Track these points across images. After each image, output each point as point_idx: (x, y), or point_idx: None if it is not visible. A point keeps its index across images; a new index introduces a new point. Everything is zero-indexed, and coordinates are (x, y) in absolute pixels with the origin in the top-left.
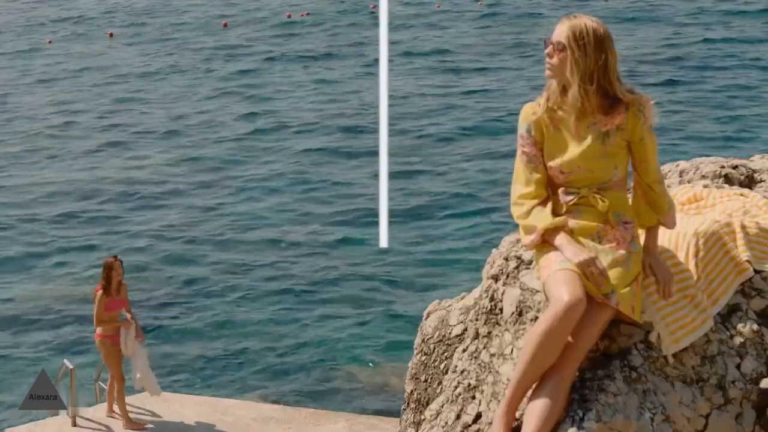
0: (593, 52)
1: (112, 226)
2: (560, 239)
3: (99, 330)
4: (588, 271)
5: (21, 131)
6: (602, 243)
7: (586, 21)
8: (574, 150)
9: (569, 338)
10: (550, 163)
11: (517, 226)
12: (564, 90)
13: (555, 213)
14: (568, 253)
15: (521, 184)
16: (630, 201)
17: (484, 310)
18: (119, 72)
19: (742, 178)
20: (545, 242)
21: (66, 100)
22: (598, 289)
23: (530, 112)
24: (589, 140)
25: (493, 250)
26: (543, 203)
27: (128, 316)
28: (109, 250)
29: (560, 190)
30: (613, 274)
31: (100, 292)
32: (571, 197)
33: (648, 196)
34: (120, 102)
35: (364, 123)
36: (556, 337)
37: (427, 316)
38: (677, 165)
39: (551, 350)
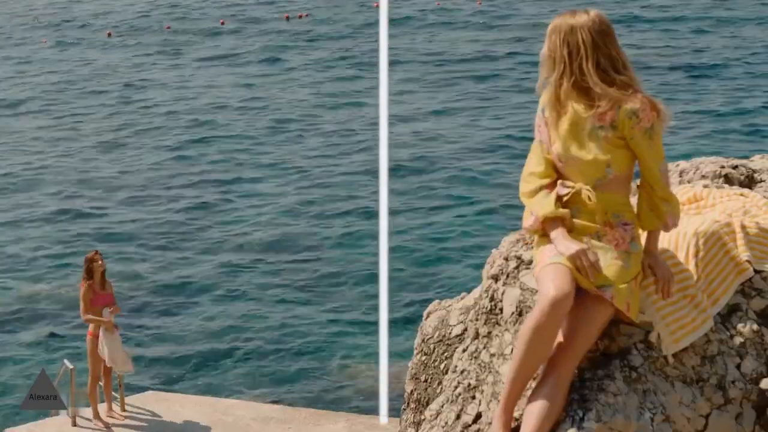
0: (561, 44)
1: (112, 226)
2: (556, 233)
3: (90, 328)
4: (579, 263)
5: (18, 131)
6: (601, 242)
7: (567, 17)
8: (566, 142)
9: (568, 337)
10: (551, 150)
11: (516, 227)
12: None
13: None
14: (560, 247)
15: (534, 161)
16: (633, 201)
17: (484, 310)
18: (117, 71)
19: (742, 178)
20: (545, 233)
21: (62, 99)
22: (590, 281)
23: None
24: (579, 135)
25: (493, 250)
26: (551, 186)
27: (110, 310)
28: (109, 249)
29: (559, 183)
30: (610, 269)
31: (84, 286)
32: (566, 191)
33: (650, 197)
34: (117, 101)
35: (363, 123)
36: (544, 332)
37: (427, 316)
38: (677, 165)
39: (541, 346)
